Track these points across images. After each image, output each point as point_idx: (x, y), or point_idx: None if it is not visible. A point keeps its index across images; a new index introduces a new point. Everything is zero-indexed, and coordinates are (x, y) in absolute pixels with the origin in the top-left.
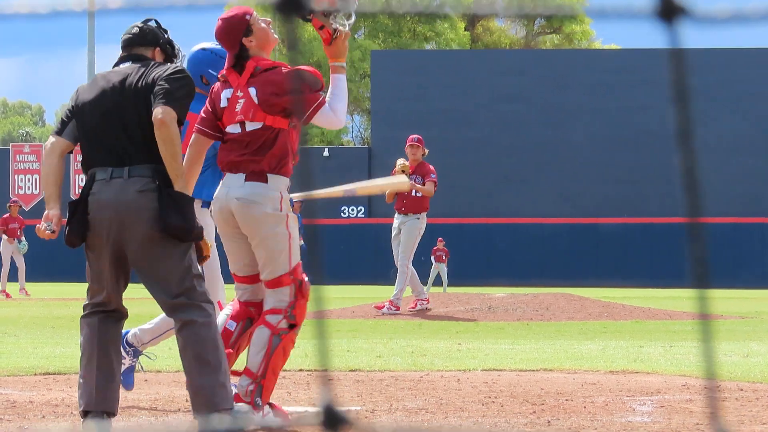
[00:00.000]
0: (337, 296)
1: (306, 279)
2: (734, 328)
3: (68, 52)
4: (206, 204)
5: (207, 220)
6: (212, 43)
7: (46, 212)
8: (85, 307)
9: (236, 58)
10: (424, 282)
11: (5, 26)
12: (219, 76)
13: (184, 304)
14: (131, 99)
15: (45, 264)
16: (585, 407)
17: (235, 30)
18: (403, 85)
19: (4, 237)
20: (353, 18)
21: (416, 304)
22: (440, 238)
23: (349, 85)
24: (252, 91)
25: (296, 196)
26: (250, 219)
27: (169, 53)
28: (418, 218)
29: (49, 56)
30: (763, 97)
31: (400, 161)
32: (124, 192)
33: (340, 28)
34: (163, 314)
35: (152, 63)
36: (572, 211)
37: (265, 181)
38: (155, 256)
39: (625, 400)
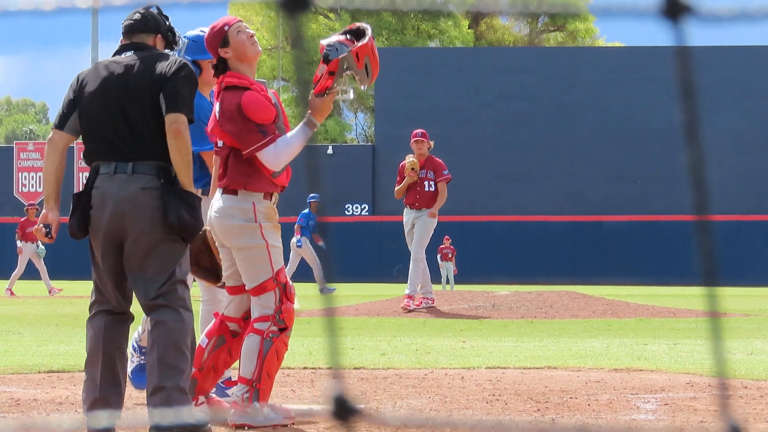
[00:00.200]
0: (341, 294)
1: (290, 282)
2: (738, 326)
3: (72, 49)
4: None
5: None
6: (198, 30)
7: (44, 212)
8: (90, 308)
9: (216, 68)
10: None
11: (9, 24)
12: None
13: (161, 305)
14: (134, 95)
15: (48, 262)
16: (589, 405)
17: (214, 40)
18: (407, 82)
19: (21, 240)
20: (353, 94)
21: (421, 302)
22: (447, 237)
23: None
24: (217, 107)
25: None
26: (224, 231)
27: (170, 40)
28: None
29: (53, 54)
30: (766, 94)
31: (409, 159)
32: (127, 188)
33: (343, 89)
34: None
35: (154, 54)
36: (576, 208)
37: (236, 193)
38: (147, 255)
39: (630, 397)
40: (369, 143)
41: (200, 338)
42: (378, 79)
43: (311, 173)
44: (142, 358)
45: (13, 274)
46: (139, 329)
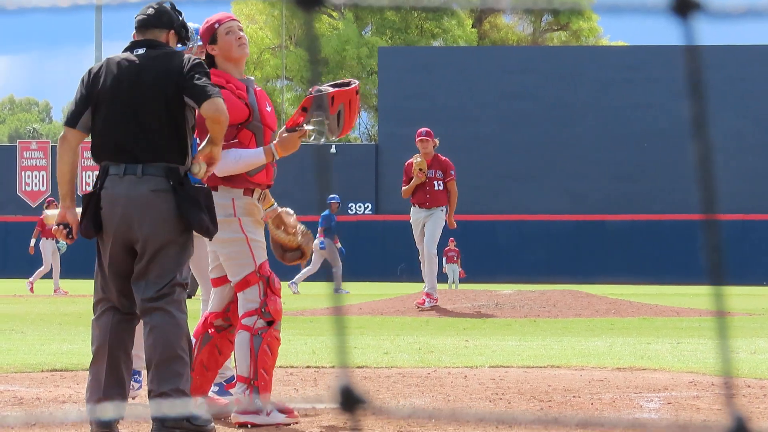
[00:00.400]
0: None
1: (274, 274)
2: (742, 325)
3: (75, 48)
4: None
5: None
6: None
7: (61, 211)
8: (95, 306)
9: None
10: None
11: (12, 23)
12: None
13: (156, 308)
14: (147, 95)
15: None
16: (592, 404)
17: (204, 36)
18: (410, 81)
19: (40, 237)
20: (323, 140)
21: (424, 301)
22: (452, 239)
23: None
24: None
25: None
26: None
27: (183, 36)
28: (442, 210)
29: (57, 53)
30: None
31: (417, 160)
32: (137, 190)
33: (314, 130)
34: None
35: (167, 53)
36: (579, 208)
37: (216, 189)
38: (153, 258)
39: (633, 396)
40: (372, 142)
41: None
42: (381, 78)
43: (321, 173)
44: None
45: (40, 270)
46: None
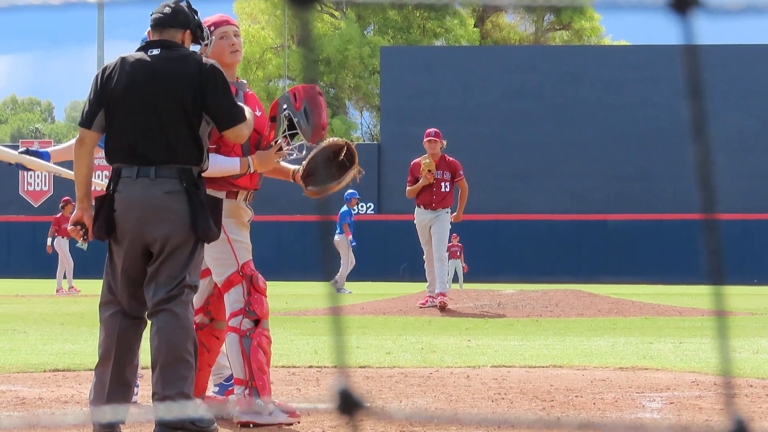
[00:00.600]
0: (344, 293)
1: (258, 274)
2: (744, 325)
3: (77, 48)
4: None
5: None
6: None
7: (78, 213)
8: (102, 307)
9: None
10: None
11: (14, 22)
12: None
13: (164, 309)
14: (161, 98)
15: (51, 262)
16: (594, 404)
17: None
18: (413, 81)
19: (56, 236)
20: (299, 152)
21: (427, 301)
22: (455, 235)
23: (359, 81)
24: None
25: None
26: None
27: (198, 36)
28: (448, 212)
29: (59, 52)
30: None
31: (426, 161)
32: (151, 192)
33: (291, 147)
34: None
35: (182, 55)
36: (582, 207)
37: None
38: (166, 260)
39: (635, 396)
40: (375, 142)
41: None
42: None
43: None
44: None
45: (63, 271)
46: None
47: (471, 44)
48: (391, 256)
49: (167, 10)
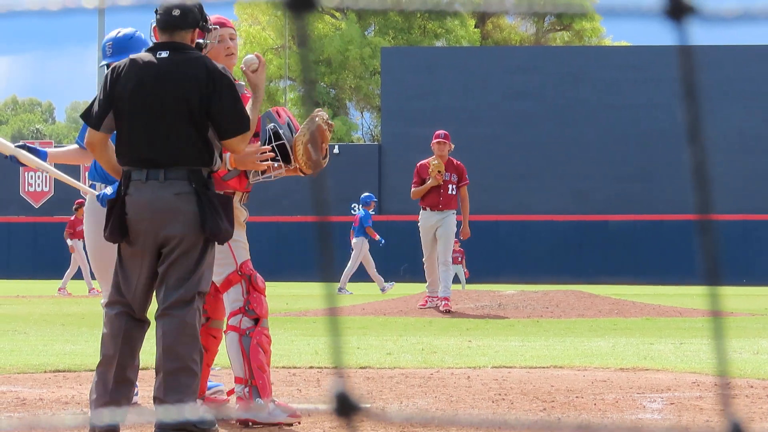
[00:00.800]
0: (345, 294)
1: (257, 273)
2: (744, 325)
3: (78, 49)
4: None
5: None
6: (115, 32)
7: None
8: (107, 307)
9: None
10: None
11: (15, 24)
12: None
13: (170, 315)
14: (168, 102)
15: (52, 262)
16: (595, 404)
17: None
18: (414, 82)
19: (71, 239)
20: (279, 171)
21: (426, 302)
22: (455, 240)
23: (359, 82)
24: None
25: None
26: None
27: (204, 29)
28: (454, 214)
29: (59, 53)
30: None
31: (434, 162)
32: (161, 195)
33: (275, 168)
34: None
35: (190, 58)
36: (583, 208)
37: None
38: (175, 262)
39: (636, 397)
40: (375, 143)
41: None
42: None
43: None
44: None
45: (72, 273)
46: None
47: (472, 45)
48: (392, 256)
49: (177, 12)
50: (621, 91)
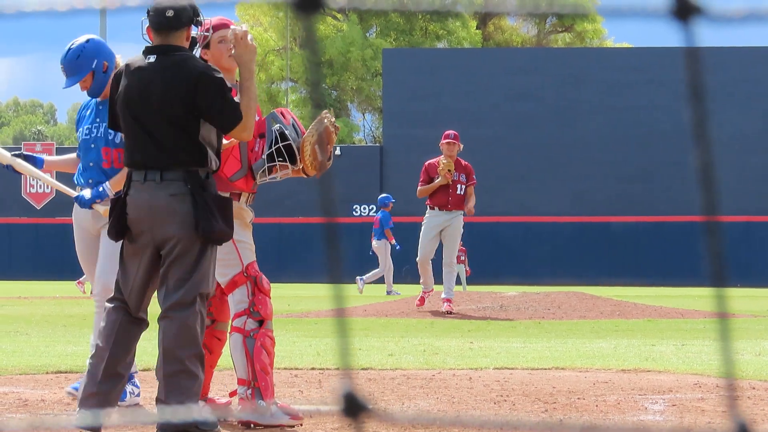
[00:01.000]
0: (349, 294)
1: (262, 275)
2: (747, 327)
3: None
4: None
5: None
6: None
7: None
8: (107, 301)
9: None
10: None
11: (16, 25)
12: None
13: (170, 317)
14: (154, 107)
15: (53, 263)
16: (597, 406)
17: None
18: (415, 83)
19: None
20: (269, 177)
21: (423, 300)
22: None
23: (361, 83)
24: None
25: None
26: None
27: (197, 23)
28: (462, 215)
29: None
30: None
31: (444, 162)
32: (157, 195)
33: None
34: None
35: (176, 61)
36: (584, 209)
37: None
38: (174, 263)
39: (637, 398)
40: (377, 144)
41: None
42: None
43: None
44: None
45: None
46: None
47: (473, 46)
48: (393, 257)
49: (170, 14)
50: (622, 93)
